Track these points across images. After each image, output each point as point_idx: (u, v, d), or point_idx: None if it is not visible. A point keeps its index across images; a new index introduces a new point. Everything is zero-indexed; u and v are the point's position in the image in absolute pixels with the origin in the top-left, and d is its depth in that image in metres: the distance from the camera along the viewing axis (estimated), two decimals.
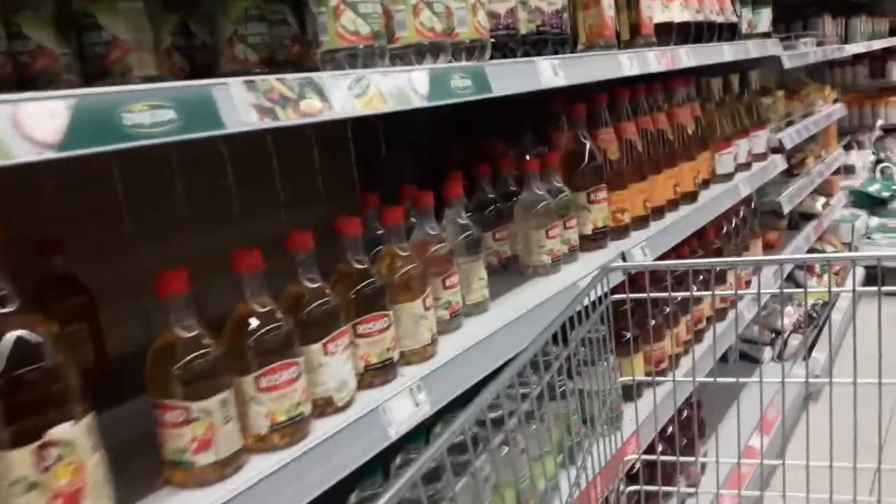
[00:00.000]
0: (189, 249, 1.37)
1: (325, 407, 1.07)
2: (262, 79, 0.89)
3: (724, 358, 3.30)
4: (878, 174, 5.54)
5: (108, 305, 1.23)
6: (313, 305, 1.05)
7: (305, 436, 1.02)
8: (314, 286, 1.06)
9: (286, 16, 1.17)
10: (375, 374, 1.15)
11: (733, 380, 1.26)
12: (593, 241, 1.90)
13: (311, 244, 1.09)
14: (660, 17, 2.09)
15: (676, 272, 1.40)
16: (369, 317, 1.13)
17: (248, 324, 0.98)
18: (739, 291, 2.31)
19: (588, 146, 1.87)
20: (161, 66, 1.06)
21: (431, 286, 1.34)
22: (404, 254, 1.22)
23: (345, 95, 0.98)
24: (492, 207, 1.77)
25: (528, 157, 1.88)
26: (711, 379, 1.28)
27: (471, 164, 1.93)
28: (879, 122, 6.08)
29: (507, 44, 1.39)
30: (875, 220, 5.19)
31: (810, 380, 1.59)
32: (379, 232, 1.47)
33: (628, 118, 2.05)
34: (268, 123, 0.89)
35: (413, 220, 1.53)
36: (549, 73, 1.46)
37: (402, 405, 1.14)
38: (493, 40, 1.38)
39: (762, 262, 2.89)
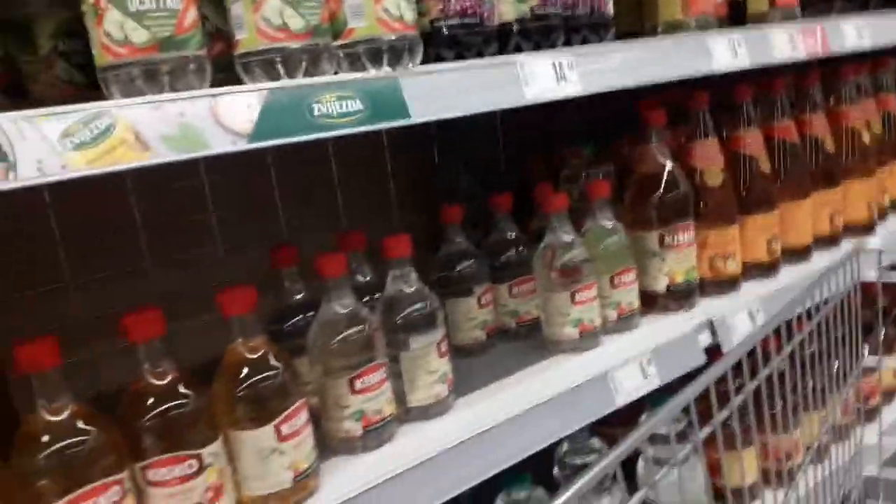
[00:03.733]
0: None
1: None
2: None
3: None
4: None
5: None
6: (57, 448, 0.72)
7: None
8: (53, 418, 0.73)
9: None
10: None
11: None
12: (670, 300, 1.34)
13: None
14: None
15: None
16: (165, 458, 0.77)
17: None
18: None
19: (668, 167, 1.31)
20: None
21: (330, 389, 0.95)
22: (252, 355, 0.84)
23: (49, 147, 0.63)
24: (511, 251, 1.31)
25: (573, 181, 1.39)
26: None
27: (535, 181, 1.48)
28: None
29: (464, 41, 0.92)
30: None
31: None
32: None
33: (749, 124, 1.43)
34: None
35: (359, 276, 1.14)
36: (547, 78, 0.96)
37: None
38: (447, 32, 0.92)
39: None
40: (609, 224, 1.26)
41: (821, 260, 1.55)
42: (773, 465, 1.42)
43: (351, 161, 1.55)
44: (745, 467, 1.44)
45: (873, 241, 1.64)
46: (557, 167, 1.53)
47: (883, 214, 1.71)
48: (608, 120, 1.55)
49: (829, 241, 1.58)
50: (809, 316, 1.10)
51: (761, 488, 1.45)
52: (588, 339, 1.21)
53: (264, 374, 0.83)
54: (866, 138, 1.62)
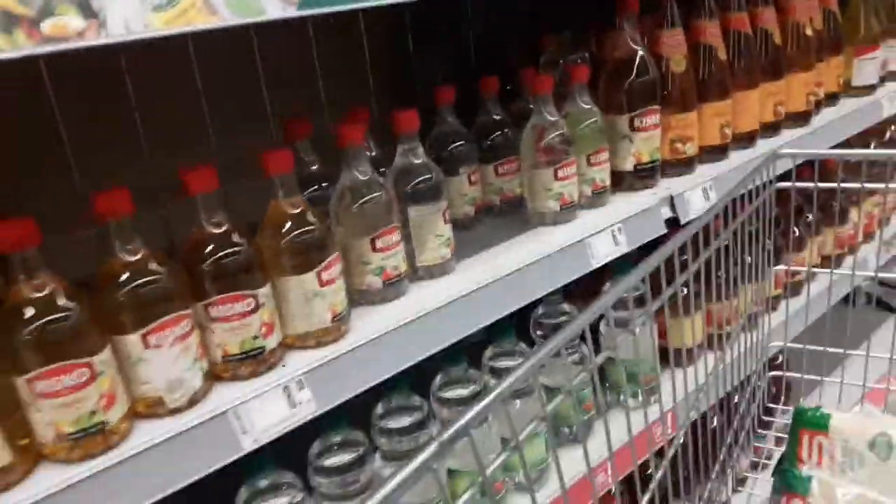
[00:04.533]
0: None
1: (156, 407, 0.86)
2: None
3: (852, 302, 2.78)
4: None
5: None
6: (135, 285, 0.81)
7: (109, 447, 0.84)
8: (134, 259, 0.82)
9: None
10: (238, 365, 0.92)
11: None
12: (636, 178, 1.49)
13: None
14: None
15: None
16: (227, 296, 0.88)
17: None
18: None
19: (639, 54, 1.43)
20: None
21: (355, 249, 1.06)
22: (294, 210, 0.94)
23: (133, 8, 0.69)
24: (497, 133, 1.42)
25: (552, 67, 1.49)
26: None
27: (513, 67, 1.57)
28: None
29: None
30: None
31: None
32: (313, 168, 1.20)
33: (710, 15, 1.55)
34: None
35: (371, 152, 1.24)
36: None
37: (271, 406, 0.91)
38: None
39: None
40: (587, 106, 1.38)
41: (764, 145, 1.72)
42: (713, 331, 1.63)
43: (331, 50, 1.60)
44: (688, 331, 1.65)
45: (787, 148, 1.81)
46: (533, 54, 1.63)
47: (818, 105, 1.89)
48: (574, 8, 1.65)
49: (772, 128, 1.76)
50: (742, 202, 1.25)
51: (700, 350, 1.67)
52: (567, 211, 1.36)
53: (307, 227, 0.94)
54: (809, 33, 1.77)
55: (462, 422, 0.55)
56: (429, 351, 1.08)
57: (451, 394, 1.30)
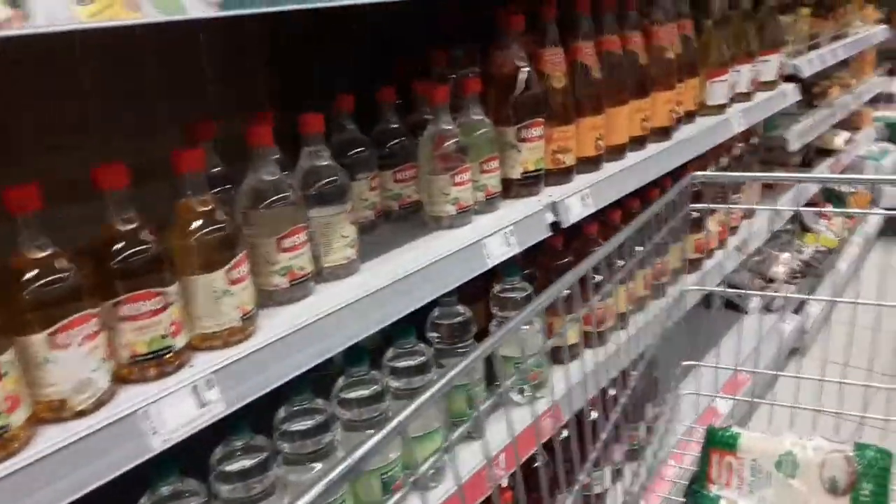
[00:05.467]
0: None
1: (60, 411, 0.83)
2: None
3: (707, 304, 3.06)
4: None
5: None
6: (44, 282, 0.79)
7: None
8: (44, 255, 0.80)
9: None
10: (145, 365, 0.90)
11: None
12: (522, 186, 1.60)
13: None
14: None
15: None
16: (137, 294, 0.87)
17: None
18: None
19: (525, 70, 1.54)
20: None
21: (261, 249, 1.08)
22: (203, 208, 0.95)
23: (59, 1, 0.69)
24: (395, 141, 1.48)
25: (442, 81, 1.57)
26: None
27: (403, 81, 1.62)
28: None
29: None
30: None
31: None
32: (215, 169, 1.20)
33: (586, 37, 1.69)
34: None
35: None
36: None
37: (180, 406, 0.90)
38: None
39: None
40: (479, 117, 1.46)
41: (633, 157, 1.89)
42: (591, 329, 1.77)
43: (221, 57, 1.60)
44: (571, 330, 1.77)
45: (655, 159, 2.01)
46: (422, 70, 1.70)
47: (678, 122, 2.09)
48: (459, 26, 1.75)
49: (640, 141, 1.93)
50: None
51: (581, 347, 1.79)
52: (463, 215, 1.43)
53: (217, 225, 0.94)
54: (670, 56, 1.96)
55: (356, 456, 0.58)
56: (337, 348, 1.11)
57: (353, 395, 1.33)
